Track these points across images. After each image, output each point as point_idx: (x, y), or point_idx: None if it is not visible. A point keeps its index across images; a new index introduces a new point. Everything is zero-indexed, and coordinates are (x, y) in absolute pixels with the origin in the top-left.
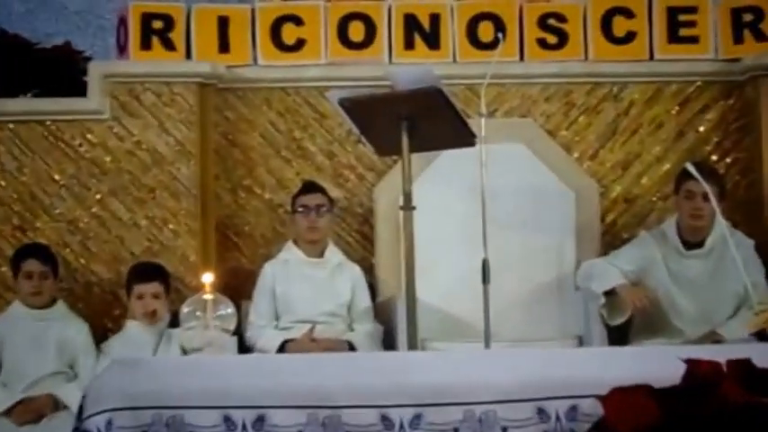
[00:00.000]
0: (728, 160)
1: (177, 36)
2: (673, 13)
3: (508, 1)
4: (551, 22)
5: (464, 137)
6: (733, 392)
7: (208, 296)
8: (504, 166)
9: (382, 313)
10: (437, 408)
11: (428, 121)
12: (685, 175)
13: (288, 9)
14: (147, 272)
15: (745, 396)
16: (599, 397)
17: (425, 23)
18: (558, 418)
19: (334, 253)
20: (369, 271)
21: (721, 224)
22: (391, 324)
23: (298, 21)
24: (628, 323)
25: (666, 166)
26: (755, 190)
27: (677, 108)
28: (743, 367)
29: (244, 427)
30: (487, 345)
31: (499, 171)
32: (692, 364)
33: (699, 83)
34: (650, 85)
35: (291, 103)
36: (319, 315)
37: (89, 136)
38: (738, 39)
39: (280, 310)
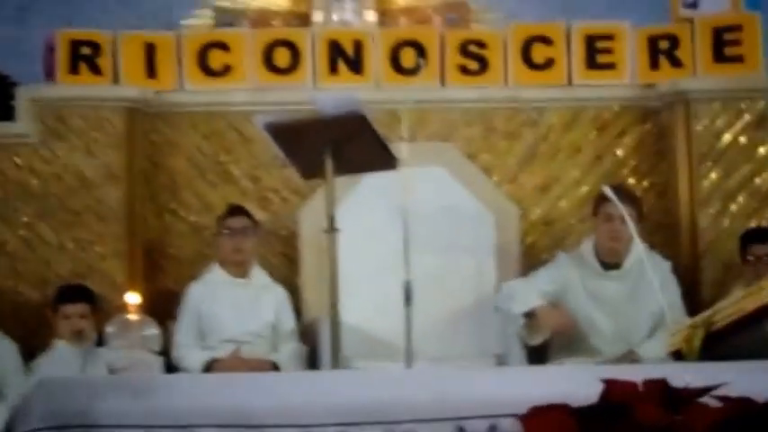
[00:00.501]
0: (645, 184)
1: (105, 62)
2: (591, 40)
3: (429, 28)
4: (472, 48)
5: (386, 161)
6: (649, 412)
7: (133, 317)
8: (426, 190)
9: (307, 334)
10: (359, 427)
11: (351, 145)
12: (603, 198)
13: (214, 36)
14: (74, 293)
15: (661, 415)
16: (518, 416)
17: (349, 50)
18: None
19: (259, 274)
20: (293, 292)
21: (638, 246)
22: (315, 344)
23: (224, 47)
24: (546, 342)
25: (585, 189)
26: (672, 213)
27: (595, 132)
28: (659, 387)
29: None
30: (409, 364)
31: (421, 194)
32: (609, 383)
33: (616, 108)
34: (569, 111)
35: (217, 128)
36: (244, 335)
37: (16, 159)
38: (654, 65)
39: (205, 330)
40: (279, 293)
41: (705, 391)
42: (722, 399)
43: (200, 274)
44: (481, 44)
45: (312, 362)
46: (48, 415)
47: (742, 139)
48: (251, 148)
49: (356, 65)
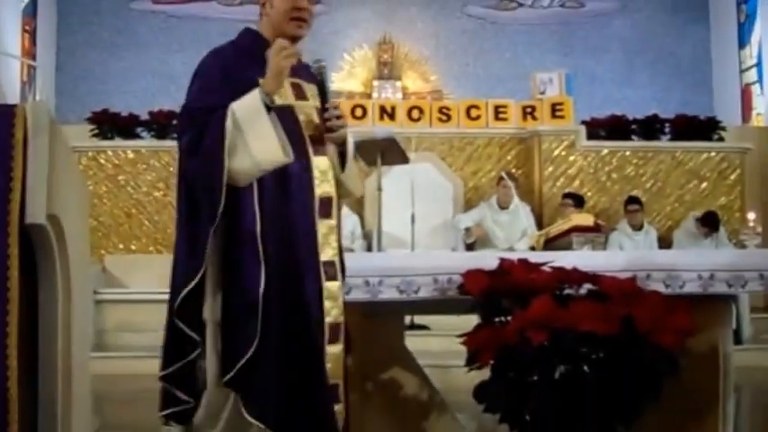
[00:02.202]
0: (520, 172)
1: None
2: (497, 107)
3: (425, 101)
4: (444, 110)
5: (404, 159)
6: (519, 273)
7: None
8: (422, 173)
9: (367, 236)
10: (389, 278)
11: (389, 151)
12: (501, 178)
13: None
14: None
15: (524, 274)
16: (461, 274)
17: (389, 109)
18: (443, 283)
19: (346, 209)
20: (361, 218)
21: (516, 199)
22: (370, 241)
23: None
24: (474, 242)
25: (493, 173)
26: (531, 186)
27: (498, 148)
28: (524, 262)
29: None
30: (412, 250)
31: (419, 175)
32: (502, 260)
33: (507, 137)
34: (486, 138)
35: None
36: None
37: None
38: (525, 119)
39: None
40: (354, 218)
41: (544, 264)
42: (552, 267)
43: None
44: (448, 108)
45: (369, 249)
46: None
47: (563, 153)
48: None
49: (392, 116)
